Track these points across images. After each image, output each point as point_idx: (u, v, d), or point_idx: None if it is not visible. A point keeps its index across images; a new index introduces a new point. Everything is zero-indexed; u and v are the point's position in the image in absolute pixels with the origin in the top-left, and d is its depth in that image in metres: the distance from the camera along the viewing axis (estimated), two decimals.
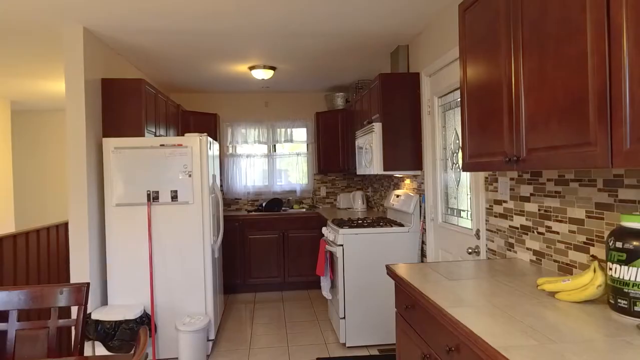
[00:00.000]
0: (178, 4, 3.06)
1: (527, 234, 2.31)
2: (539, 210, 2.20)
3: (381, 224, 3.98)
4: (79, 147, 3.42)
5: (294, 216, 5.69)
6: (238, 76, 5.21)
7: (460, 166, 3.18)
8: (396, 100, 3.82)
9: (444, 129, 3.44)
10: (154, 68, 4.74)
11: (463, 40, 2.21)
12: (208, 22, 3.43)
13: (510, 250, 2.47)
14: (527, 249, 2.31)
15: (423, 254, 3.80)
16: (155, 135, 4.18)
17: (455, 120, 3.24)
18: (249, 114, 6.27)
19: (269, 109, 6.30)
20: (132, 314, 3.39)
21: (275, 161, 6.31)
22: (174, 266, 3.66)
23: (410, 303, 2.04)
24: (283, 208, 5.98)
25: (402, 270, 2.21)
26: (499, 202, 2.58)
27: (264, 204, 5.93)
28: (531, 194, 2.26)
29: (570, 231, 1.97)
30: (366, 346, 3.79)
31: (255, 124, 6.26)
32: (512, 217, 2.45)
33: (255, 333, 4.24)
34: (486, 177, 2.73)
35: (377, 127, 3.82)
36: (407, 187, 4.27)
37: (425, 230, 3.75)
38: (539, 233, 2.21)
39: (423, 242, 3.79)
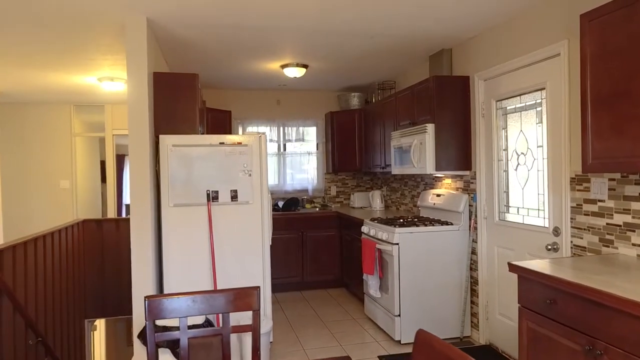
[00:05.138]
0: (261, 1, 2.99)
1: (633, 231, 2.48)
2: None
3: (426, 223, 4.07)
4: (142, 145, 3.24)
5: (312, 215, 5.67)
6: (261, 73, 5.11)
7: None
8: (448, 102, 3.93)
9: (504, 131, 3.58)
10: (182, 63, 4.56)
11: (586, 48, 2.33)
12: (273, 20, 3.35)
13: (608, 247, 2.64)
14: (633, 244, 2.47)
15: (473, 252, 3.93)
16: (201, 133, 4.03)
17: (521, 123, 3.39)
18: (260, 112, 6.16)
19: (280, 107, 6.22)
20: (198, 318, 3.27)
21: (285, 160, 6.25)
22: (234, 268, 3.56)
23: (552, 297, 2.14)
24: (297, 207, 5.94)
25: (536, 266, 2.29)
26: (591, 202, 2.74)
27: (279, 203, 5.87)
28: None
29: None
30: None
31: (267, 122, 6.17)
32: (611, 215, 2.61)
33: (299, 333, 4.20)
34: (572, 178, 2.88)
35: (430, 127, 3.91)
36: (446, 187, 4.39)
37: (476, 229, 3.88)
38: None
39: (473, 240, 3.93)
